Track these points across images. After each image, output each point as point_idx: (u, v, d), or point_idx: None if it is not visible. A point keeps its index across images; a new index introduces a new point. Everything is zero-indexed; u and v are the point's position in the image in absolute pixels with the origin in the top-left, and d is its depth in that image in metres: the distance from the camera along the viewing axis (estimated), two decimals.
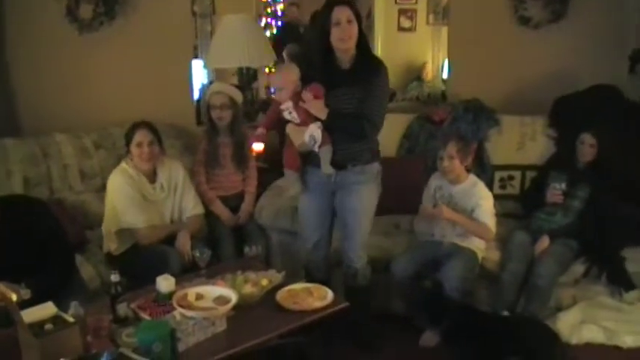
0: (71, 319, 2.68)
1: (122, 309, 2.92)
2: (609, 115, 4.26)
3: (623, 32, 4.86)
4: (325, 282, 3.42)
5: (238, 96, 4.40)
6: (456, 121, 4.61)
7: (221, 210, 4.27)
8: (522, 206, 4.34)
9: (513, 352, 3.26)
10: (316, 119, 3.42)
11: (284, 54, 6.23)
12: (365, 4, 6.02)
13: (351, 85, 3.40)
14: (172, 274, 3.15)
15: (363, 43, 3.46)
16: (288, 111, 3.46)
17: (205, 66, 5.26)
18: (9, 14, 4.51)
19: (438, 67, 6.15)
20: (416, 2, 6.84)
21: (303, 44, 6.56)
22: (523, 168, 4.52)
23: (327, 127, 3.42)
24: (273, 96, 3.60)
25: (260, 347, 2.86)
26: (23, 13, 4.52)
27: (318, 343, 3.45)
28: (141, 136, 3.82)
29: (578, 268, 3.87)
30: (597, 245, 3.86)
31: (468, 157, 3.85)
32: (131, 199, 3.78)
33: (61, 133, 4.39)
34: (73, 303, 2.81)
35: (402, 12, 7.02)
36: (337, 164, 3.48)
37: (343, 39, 3.35)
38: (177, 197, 4.00)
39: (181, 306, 2.84)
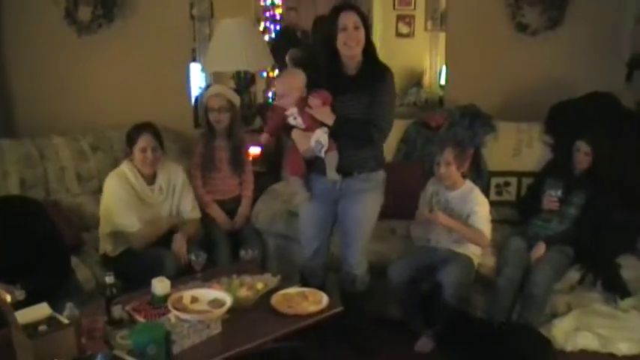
0: (66, 321, 2.68)
1: (117, 311, 2.92)
2: (605, 123, 4.26)
3: (620, 39, 4.88)
4: (320, 287, 3.41)
5: (236, 99, 4.41)
6: (453, 127, 4.62)
7: (217, 213, 4.27)
8: (518, 213, 4.35)
9: (506, 359, 3.27)
10: (322, 125, 3.40)
11: (287, 58, 6.23)
12: (363, 9, 6.03)
13: (357, 91, 3.40)
14: (168, 277, 3.15)
15: (370, 50, 3.45)
16: (293, 117, 3.44)
17: (203, 69, 5.26)
18: (7, 16, 4.52)
19: (436, 73, 6.16)
20: (414, 8, 6.85)
21: (307, 49, 6.58)
22: (519, 174, 4.53)
23: (334, 133, 3.40)
24: (275, 103, 3.57)
25: (255, 351, 2.86)
26: (21, 14, 4.53)
27: (314, 348, 3.45)
28: (145, 141, 3.82)
29: (574, 275, 3.87)
30: (593, 252, 3.87)
31: (465, 164, 3.85)
32: (125, 202, 3.78)
33: (58, 135, 4.39)
34: (68, 304, 2.81)
35: (400, 18, 7.03)
36: (343, 171, 3.46)
37: (349, 45, 3.35)
38: (176, 200, 4.00)
39: (176, 309, 2.84)
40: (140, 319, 2.93)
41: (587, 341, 3.71)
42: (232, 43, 4.74)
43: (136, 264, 3.68)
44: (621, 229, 3.98)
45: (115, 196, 3.79)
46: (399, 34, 7.04)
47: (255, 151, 4.81)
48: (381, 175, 3.60)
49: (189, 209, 4.03)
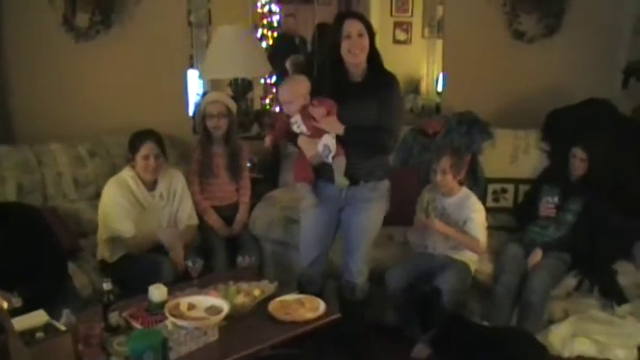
0: (63, 328, 2.67)
1: (114, 317, 2.92)
2: (601, 129, 4.28)
3: (616, 47, 4.90)
4: (318, 294, 3.41)
5: (233, 105, 4.42)
6: (450, 134, 4.63)
7: (214, 220, 4.27)
8: (515, 219, 4.35)
9: None
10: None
11: (287, 65, 6.23)
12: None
13: (364, 98, 3.39)
14: (165, 284, 3.15)
15: (375, 57, 3.45)
16: (297, 125, 3.43)
17: (201, 77, 5.27)
18: (5, 22, 4.52)
19: (433, 80, 6.17)
20: (411, 15, 6.87)
21: (308, 55, 6.58)
22: (516, 181, 4.54)
23: (343, 140, 3.38)
24: (281, 114, 3.56)
25: (252, 358, 2.86)
26: (20, 21, 4.53)
27: (311, 355, 3.45)
28: (148, 148, 3.82)
29: (571, 281, 3.88)
30: (589, 258, 3.87)
31: (461, 172, 3.86)
32: (123, 209, 3.78)
33: (55, 141, 4.38)
34: (65, 311, 2.80)
35: (397, 25, 7.04)
36: (350, 178, 3.44)
37: (353, 52, 3.34)
38: (175, 206, 4.01)
39: (173, 315, 2.84)
40: (137, 325, 2.93)
41: (584, 347, 3.72)
42: (230, 50, 4.75)
43: (133, 270, 3.68)
44: (617, 235, 4.00)
45: (113, 203, 3.80)
46: (396, 41, 7.05)
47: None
48: (386, 184, 3.60)
49: (187, 216, 4.03)
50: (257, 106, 6.22)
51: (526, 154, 4.56)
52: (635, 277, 3.91)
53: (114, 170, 4.24)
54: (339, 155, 3.39)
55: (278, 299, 3.20)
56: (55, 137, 4.42)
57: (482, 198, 4.30)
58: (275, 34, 7.16)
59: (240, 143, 4.48)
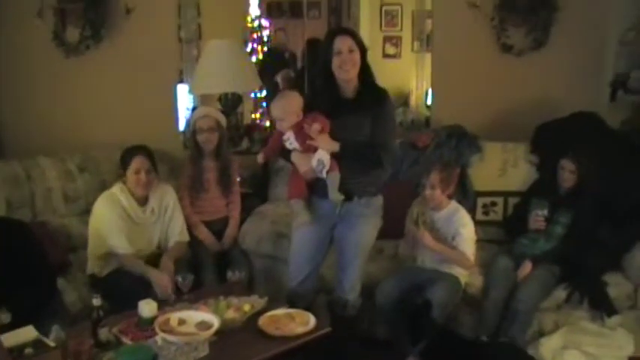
0: (52, 344, 2.66)
1: (104, 333, 2.91)
2: (590, 142, 4.29)
3: (604, 60, 4.93)
4: (307, 308, 3.40)
5: (224, 120, 4.43)
6: (439, 148, 4.64)
7: (205, 235, 4.27)
8: (505, 232, 4.36)
9: None
10: None
11: (278, 80, 6.25)
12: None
13: (357, 113, 3.40)
14: (155, 299, 3.14)
15: (367, 73, 3.47)
16: (289, 141, 3.43)
17: (191, 91, 5.27)
18: None
19: (422, 93, 6.20)
20: (401, 29, 6.91)
21: (298, 70, 6.60)
22: (505, 194, 4.54)
23: (337, 156, 3.38)
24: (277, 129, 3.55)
25: None
26: (9, 36, 4.54)
27: None
28: (139, 163, 3.82)
29: (561, 294, 3.89)
30: (579, 270, 3.88)
31: (451, 187, 3.86)
32: (116, 224, 3.76)
33: (45, 156, 4.38)
34: (55, 327, 2.79)
35: (387, 39, 7.08)
36: (344, 195, 3.43)
37: (344, 68, 3.35)
38: (166, 221, 4.00)
39: (163, 331, 2.83)
40: (127, 341, 2.92)
41: (574, 359, 3.72)
42: (220, 65, 4.75)
43: (123, 285, 3.66)
44: (607, 247, 4.01)
45: (105, 218, 3.79)
46: (386, 55, 7.09)
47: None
48: (380, 200, 3.61)
49: (178, 232, 4.02)
50: (247, 120, 6.23)
51: (515, 167, 4.56)
52: (625, 288, 3.91)
53: (103, 185, 4.23)
54: (333, 170, 3.38)
55: (268, 314, 3.20)
56: (45, 152, 4.41)
57: (472, 211, 4.31)
58: (265, 49, 7.19)
59: (231, 158, 4.49)
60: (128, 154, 3.87)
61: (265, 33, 7.25)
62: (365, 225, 3.55)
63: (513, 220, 4.29)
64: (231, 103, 5.30)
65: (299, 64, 6.92)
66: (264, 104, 6.58)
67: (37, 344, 2.64)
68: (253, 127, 6.15)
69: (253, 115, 6.56)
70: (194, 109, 5.13)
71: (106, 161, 4.46)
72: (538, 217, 3.95)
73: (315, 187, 3.50)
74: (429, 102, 5.54)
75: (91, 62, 4.69)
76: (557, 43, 4.88)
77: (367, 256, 3.63)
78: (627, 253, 4.03)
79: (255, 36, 7.23)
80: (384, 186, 3.64)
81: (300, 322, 3.14)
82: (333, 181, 3.40)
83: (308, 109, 3.44)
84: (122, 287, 3.61)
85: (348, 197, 3.46)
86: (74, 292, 3.72)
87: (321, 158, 3.35)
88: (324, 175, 3.39)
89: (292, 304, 3.54)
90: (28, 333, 2.69)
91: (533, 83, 4.96)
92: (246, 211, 4.56)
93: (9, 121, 4.64)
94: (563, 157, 4.02)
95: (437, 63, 5.22)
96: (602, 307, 3.85)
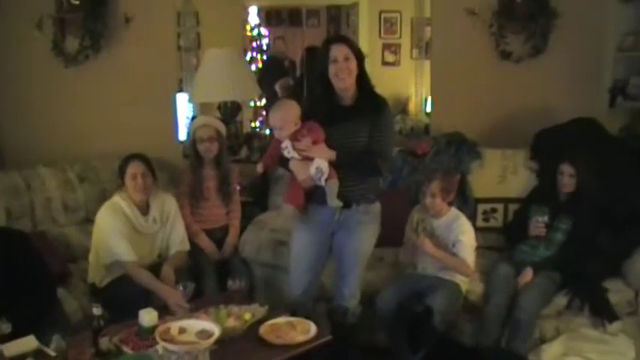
0: (53, 353, 2.67)
1: (104, 343, 2.90)
2: (589, 147, 4.30)
3: (603, 66, 4.94)
4: (308, 316, 3.40)
5: (223, 128, 4.44)
6: (439, 155, 4.64)
7: (206, 243, 4.27)
8: (505, 239, 4.36)
9: None
10: None
11: (277, 88, 6.26)
12: (351, 38, 6.09)
13: (355, 121, 3.41)
14: (155, 308, 3.14)
15: (365, 81, 3.47)
16: (287, 150, 3.42)
17: (190, 100, 5.28)
18: None
19: (422, 100, 6.21)
20: (400, 37, 6.94)
21: (296, 78, 6.62)
22: (505, 200, 4.54)
23: (336, 163, 3.38)
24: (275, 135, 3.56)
25: None
26: (8, 46, 4.55)
27: None
28: (134, 167, 3.83)
29: (561, 300, 3.88)
30: (579, 277, 3.88)
31: (451, 195, 3.86)
32: (121, 233, 3.75)
33: (44, 166, 4.38)
34: (55, 336, 2.80)
35: (386, 47, 7.11)
36: (343, 202, 3.43)
37: (340, 76, 3.36)
38: (167, 230, 4.00)
39: (164, 340, 2.82)
40: (128, 350, 2.92)
41: None
42: (219, 74, 4.77)
43: (123, 294, 3.65)
44: (607, 253, 4.01)
45: (109, 227, 3.77)
46: (385, 63, 7.12)
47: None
48: (378, 206, 3.61)
49: (179, 241, 4.02)
50: (246, 128, 6.25)
51: (515, 173, 4.56)
52: (625, 294, 3.91)
53: (103, 194, 4.24)
54: (332, 178, 3.38)
55: (269, 322, 3.19)
56: (44, 162, 4.42)
57: (472, 218, 4.31)
58: (264, 57, 7.21)
59: (231, 166, 4.49)
60: (124, 162, 3.89)
61: (265, 41, 7.28)
62: (364, 232, 3.55)
63: (513, 226, 4.29)
64: (230, 111, 5.32)
65: (298, 72, 6.94)
66: (264, 112, 6.60)
67: (37, 354, 2.65)
68: (253, 135, 6.16)
69: (253, 124, 6.58)
70: (194, 117, 5.14)
71: (105, 171, 4.46)
72: (539, 223, 3.95)
73: (313, 195, 3.50)
74: (428, 109, 5.55)
75: (90, 72, 4.69)
76: (555, 50, 4.89)
77: (366, 263, 3.63)
78: (627, 260, 4.03)
79: (254, 44, 7.26)
80: (382, 193, 3.65)
81: (301, 331, 3.13)
82: (332, 188, 3.39)
83: (306, 117, 3.45)
84: (122, 296, 3.59)
85: (347, 204, 3.46)
86: (74, 302, 3.72)
87: (320, 166, 3.35)
88: (322, 182, 3.39)
89: (293, 313, 3.54)
90: (28, 343, 2.70)
91: (532, 90, 4.97)
92: (245, 220, 4.56)
93: (8, 131, 4.64)
94: (563, 162, 4.02)
95: (436, 70, 5.23)
96: (603, 313, 3.84)
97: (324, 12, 8.34)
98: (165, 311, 3.29)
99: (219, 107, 5.33)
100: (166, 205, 4.01)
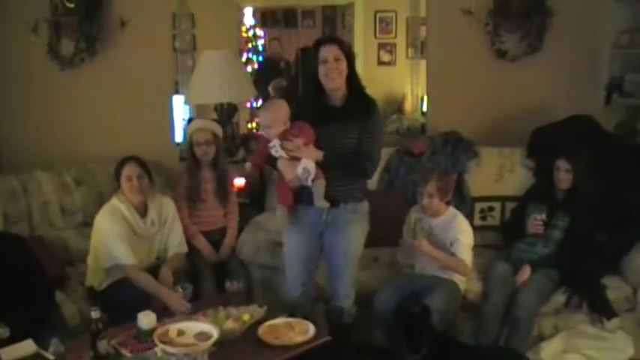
0: (51, 357, 2.66)
1: (103, 346, 2.90)
2: (585, 144, 4.31)
3: (598, 63, 4.95)
4: (306, 317, 3.40)
5: (220, 131, 4.43)
6: (435, 154, 4.65)
7: (203, 245, 4.26)
8: (503, 237, 4.37)
9: None
10: None
11: (270, 89, 6.24)
12: (345, 38, 6.08)
13: (344, 122, 3.42)
14: (154, 310, 3.13)
15: (355, 81, 3.48)
16: (275, 149, 3.43)
17: (186, 102, 5.27)
18: None
19: (418, 100, 6.20)
20: (395, 36, 6.91)
21: (290, 79, 6.59)
22: (503, 199, 4.55)
23: (323, 163, 3.39)
24: (262, 133, 3.57)
25: None
26: (4, 49, 4.54)
27: None
28: (129, 169, 3.83)
29: (559, 298, 3.89)
30: (577, 274, 3.89)
31: (448, 194, 3.86)
32: (120, 236, 3.75)
33: (41, 169, 4.37)
34: (54, 340, 2.79)
35: (381, 46, 7.08)
36: (330, 201, 3.44)
37: (330, 77, 3.37)
38: (166, 233, 4.00)
39: (163, 342, 2.82)
40: (126, 353, 2.91)
41: None
42: (215, 75, 4.75)
43: (122, 297, 3.65)
44: (605, 250, 4.02)
45: (109, 230, 3.77)
46: (380, 62, 7.09)
47: (239, 182, 4.81)
48: (366, 205, 3.61)
49: (177, 243, 4.02)
50: (243, 130, 6.23)
51: (511, 172, 4.57)
52: (623, 291, 3.93)
53: (100, 198, 4.24)
54: (319, 178, 3.39)
55: (267, 323, 3.20)
56: (41, 165, 4.42)
57: (470, 217, 4.32)
58: (260, 58, 7.19)
59: (228, 168, 4.49)
60: (120, 164, 3.89)
61: (260, 43, 7.26)
62: (352, 232, 3.55)
63: (511, 225, 4.30)
64: (226, 113, 5.31)
65: (293, 73, 6.92)
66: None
67: (36, 358, 2.64)
68: (249, 136, 6.14)
69: (249, 125, 6.56)
70: (190, 119, 5.12)
71: (102, 174, 4.46)
72: (536, 221, 3.96)
73: (301, 195, 3.51)
74: (424, 109, 5.54)
75: (86, 75, 4.69)
76: (551, 48, 4.90)
77: (358, 262, 3.64)
78: (625, 256, 4.04)
79: (250, 46, 7.24)
80: (368, 191, 3.66)
81: (300, 331, 3.13)
82: (319, 189, 3.41)
83: (295, 117, 3.46)
84: (121, 299, 3.59)
85: (334, 203, 3.47)
86: (73, 305, 3.72)
87: (307, 167, 3.36)
88: (309, 183, 3.40)
89: (291, 314, 3.54)
90: (27, 347, 2.69)
91: (528, 88, 4.99)
92: (243, 221, 4.55)
93: (5, 134, 4.63)
94: (559, 158, 4.02)
95: (432, 69, 5.24)
96: (602, 310, 3.85)
97: (320, 12, 8.31)
98: (164, 314, 3.29)
99: (215, 109, 5.32)
100: (164, 207, 4.01)
